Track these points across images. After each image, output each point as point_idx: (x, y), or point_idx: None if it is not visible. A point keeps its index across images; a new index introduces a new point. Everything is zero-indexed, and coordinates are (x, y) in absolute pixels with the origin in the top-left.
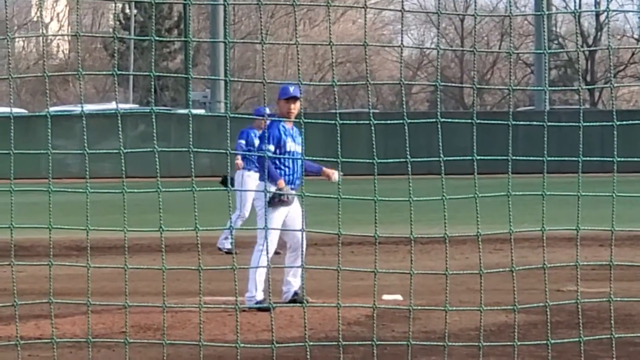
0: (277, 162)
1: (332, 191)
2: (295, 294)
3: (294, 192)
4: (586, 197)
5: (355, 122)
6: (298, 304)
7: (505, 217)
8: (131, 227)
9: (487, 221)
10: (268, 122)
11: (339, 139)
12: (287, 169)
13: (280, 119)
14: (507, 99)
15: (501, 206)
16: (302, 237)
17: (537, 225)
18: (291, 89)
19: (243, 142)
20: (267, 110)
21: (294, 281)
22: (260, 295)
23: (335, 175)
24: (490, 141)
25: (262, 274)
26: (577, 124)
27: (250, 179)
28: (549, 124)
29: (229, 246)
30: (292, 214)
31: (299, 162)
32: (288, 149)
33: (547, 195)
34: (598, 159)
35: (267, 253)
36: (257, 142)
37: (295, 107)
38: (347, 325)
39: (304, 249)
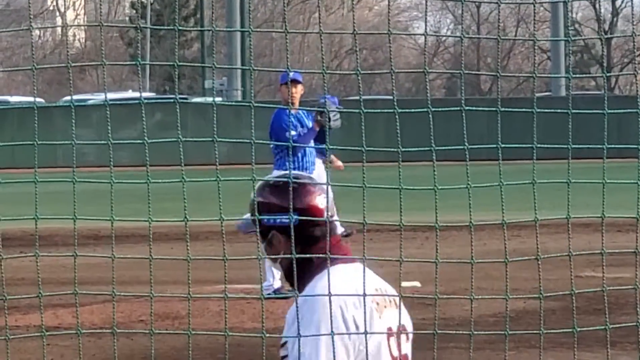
0: (286, 150)
1: (353, 179)
2: None
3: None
4: (604, 183)
5: (379, 110)
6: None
7: (522, 204)
8: (153, 219)
9: (505, 208)
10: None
11: (363, 126)
12: (297, 156)
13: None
14: (523, 85)
15: (517, 192)
16: None
17: (555, 211)
18: (291, 73)
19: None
20: (336, 100)
21: None
22: (277, 284)
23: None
24: (507, 127)
25: None
26: (600, 112)
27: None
28: (572, 111)
29: None
30: None
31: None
32: (292, 135)
33: (572, 183)
34: (623, 146)
35: None
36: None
37: (297, 91)
38: None
39: None
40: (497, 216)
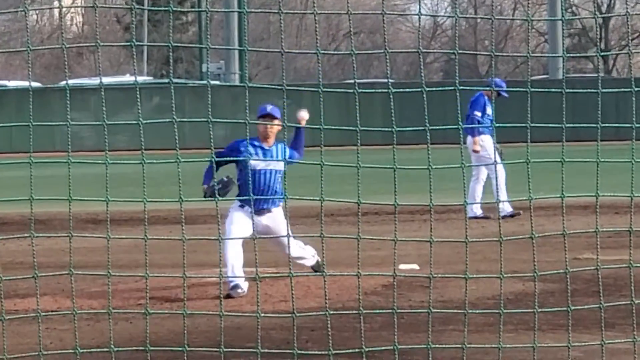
0: (243, 179)
1: (350, 161)
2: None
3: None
4: (601, 165)
5: (373, 90)
6: (317, 274)
7: (521, 186)
8: (148, 200)
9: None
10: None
11: (357, 106)
12: (248, 186)
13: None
14: (520, 68)
15: (516, 175)
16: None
17: (553, 193)
18: (268, 107)
19: (478, 113)
20: (504, 85)
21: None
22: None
23: (303, 114)
24: (504, 110)
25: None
26: (594, 91)
27: (486, 143)
28: (567, 90)
29: (480, 211)
30: (272, 227)
31: (270, 180)
32: (253, 167)
33: (566, 163)
34: (617, 125)
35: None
36: (488, 109)
37: (273, 128)
38: (364, 295)
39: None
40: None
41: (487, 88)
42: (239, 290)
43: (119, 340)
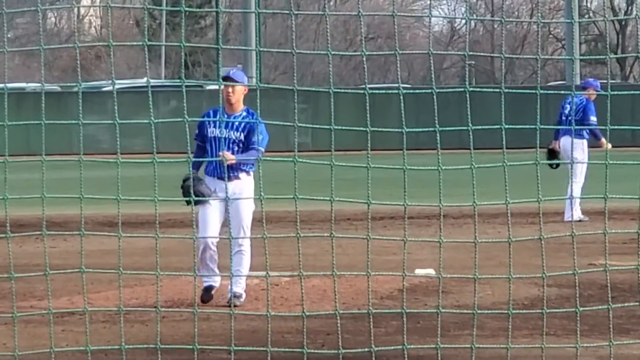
0: (202, 149)
1: (365, 164)
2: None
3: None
4: (616, 171)
5: (383, 91)
6: (227, 308)
7: (535, 191)
8: (163, 203)
9: (518, 195)
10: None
11: (367, 107)
12: (207, 156)
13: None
14: (538, 73)
15: (531, 180)
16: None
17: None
18: (231, 71)
19: (594, 118)
20: (598, 84)
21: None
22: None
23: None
24: (522, 116)
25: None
26: (605, 93)
27: (576, 146)
28: (576, 93)
29: (580, 215)
30: (232, 208)
31: (225, 148)
32: (210, 135)
33: (574, 164)
34: (632, 127)
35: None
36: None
37: (234, 91)
38: (379, 299)
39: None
40: (511, 204)
41: (590, 92)
42: (212, 293)
43: (135, 342)
